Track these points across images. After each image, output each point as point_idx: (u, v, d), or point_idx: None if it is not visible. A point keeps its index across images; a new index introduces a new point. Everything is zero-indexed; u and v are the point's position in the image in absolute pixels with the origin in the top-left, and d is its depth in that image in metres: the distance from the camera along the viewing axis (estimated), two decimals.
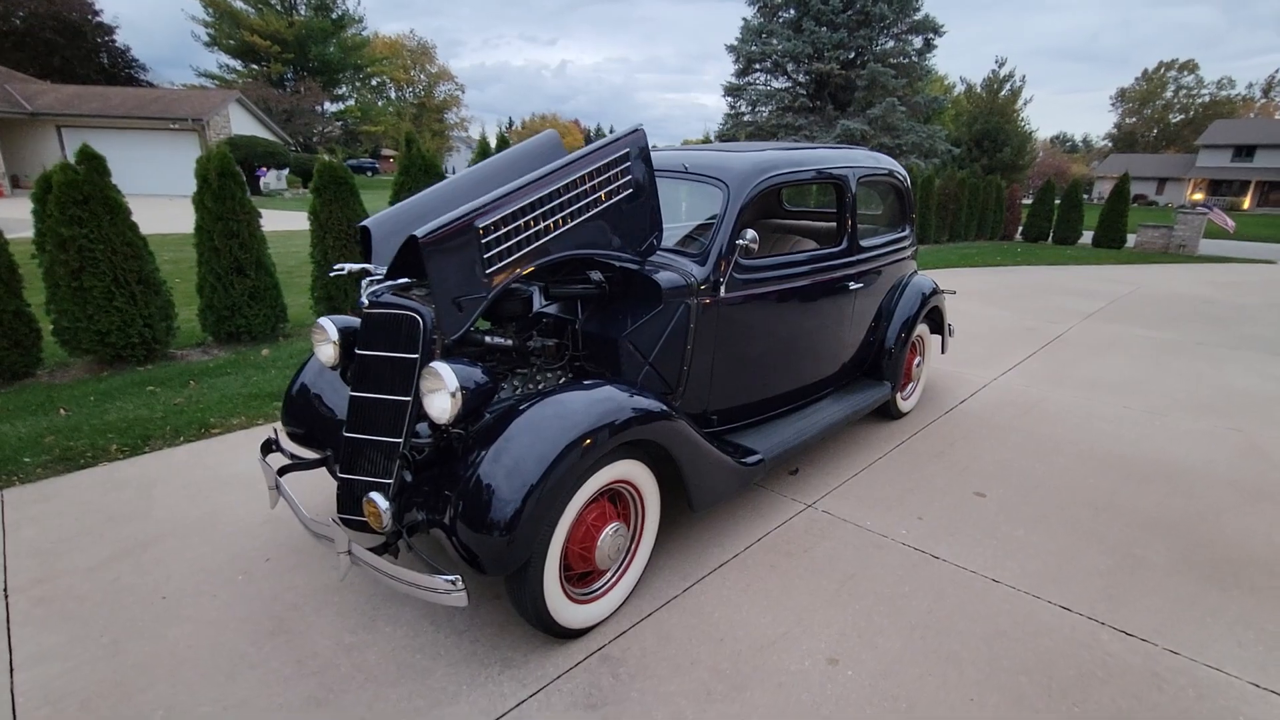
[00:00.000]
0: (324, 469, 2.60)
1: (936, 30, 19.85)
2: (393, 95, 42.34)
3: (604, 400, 2.10)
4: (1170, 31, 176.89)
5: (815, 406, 3.37)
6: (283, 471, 2.45)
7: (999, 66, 39.18)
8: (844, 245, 3.29)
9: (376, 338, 2.16)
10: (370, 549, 1.98)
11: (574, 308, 2.74)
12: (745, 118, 20.16)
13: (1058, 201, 17.78)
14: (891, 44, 20.10)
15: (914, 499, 3.18)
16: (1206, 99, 76.93)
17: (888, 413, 4.06)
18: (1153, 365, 5.66)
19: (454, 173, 3.78)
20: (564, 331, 2.73)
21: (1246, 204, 48.41)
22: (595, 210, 2.49)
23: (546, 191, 2.34)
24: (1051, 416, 4.33)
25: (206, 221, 5.30)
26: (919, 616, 2.34)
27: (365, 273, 2.32)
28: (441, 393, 1.97)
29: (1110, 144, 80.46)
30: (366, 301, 2.17)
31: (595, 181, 2.47)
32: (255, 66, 36.36)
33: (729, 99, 21.05)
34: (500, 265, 2.26)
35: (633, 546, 2.35)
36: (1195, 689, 2.01)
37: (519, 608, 2.06)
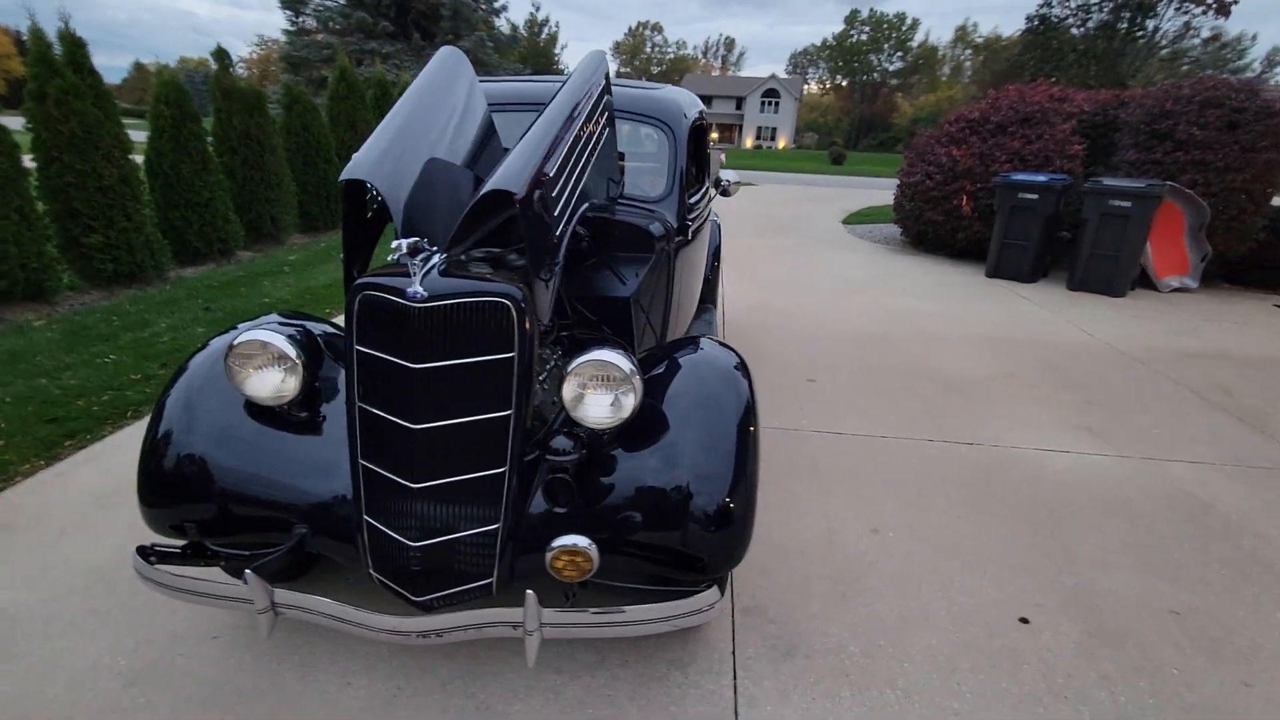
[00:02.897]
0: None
1: None
2: None
3: (730, 355, 1.96)
4: None
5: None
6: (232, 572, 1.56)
7: (535, 10, 42.25)
8: (707, 182, 3.52)
9: (441, 341, 1.53)
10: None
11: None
12: (320, 37, 17.19)
13: None
14: None
15: (793, 400, 3.79)
16: (673, 56, 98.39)
17: None
18: (791, 265, 7.59)
19: None
20: None
21: (714, 140, 65.00)
22: (597, 152, 2.16)
23: (576, 129, 1.94)
24: (782, 314, 5.52)
25: None
26: (905, 479, 2.95)
27: (418, 247, 1.54)
28: (616, 389, 1.58)
29: None
30: (424, 292, 1.49)
31: (595, 117, 2.13)
32: None
33: (288, 12, 17.54)
34: (560, 224, 1.83)
35: None
36: (1027, 464, 3.14)
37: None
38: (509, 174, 1.58)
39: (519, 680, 1.82)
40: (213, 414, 1.74)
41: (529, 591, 1.46)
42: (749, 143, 62.64)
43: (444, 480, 1.57)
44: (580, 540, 1.50)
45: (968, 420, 3.59)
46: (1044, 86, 7.86)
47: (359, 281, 1.57)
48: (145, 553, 1.67)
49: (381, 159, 1.66)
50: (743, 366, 1.94)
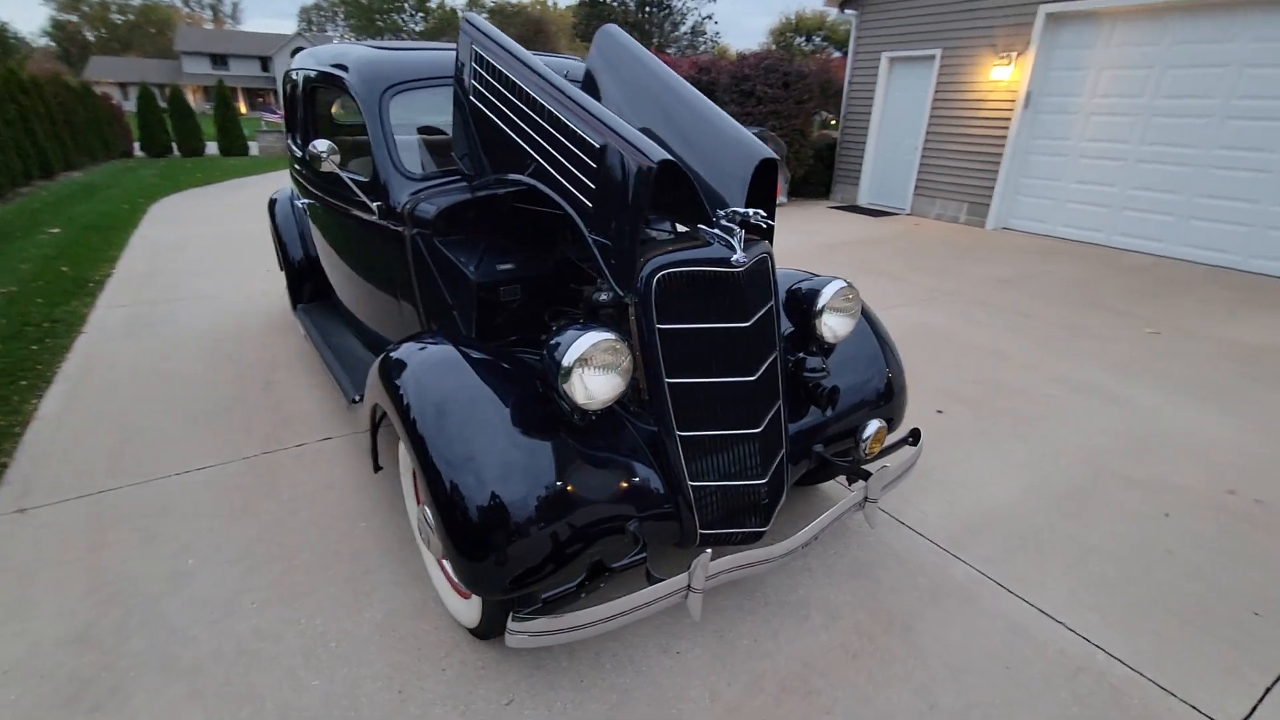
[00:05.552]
0: None
1: None
2: None
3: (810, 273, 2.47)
4: None
5: None
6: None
7: None
8: None
9: (752, 297, 1.76)
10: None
11: None
12: None
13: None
14: None
15: None
16: (141, 3, 77.99)
17: None
18: None
19: None
20: None
21: (244, 110, 55.12)
22: None
23: None
24: None
25: None
26: None
27: (735, 217, 1.57)
28: (854, 305, 2.03)
29: (52, 43, 72.23)
30: (745, 257, 1.68)
31: None
32: None
33: None
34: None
35: None
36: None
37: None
38: (758, 144, 1.81)
39: (788, 575, 2.16)
40: (499, 443, 1.56)
41: (884, 464, 1.87)
42: None
43: (768, 417, 1.82)
44: (880, 421, 1.96)
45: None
46: (656, 54, 9.61)
47: (652, 264, 1.63)
48: (521, 615, 1.46)
49: (651, 141, 1.66)
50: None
